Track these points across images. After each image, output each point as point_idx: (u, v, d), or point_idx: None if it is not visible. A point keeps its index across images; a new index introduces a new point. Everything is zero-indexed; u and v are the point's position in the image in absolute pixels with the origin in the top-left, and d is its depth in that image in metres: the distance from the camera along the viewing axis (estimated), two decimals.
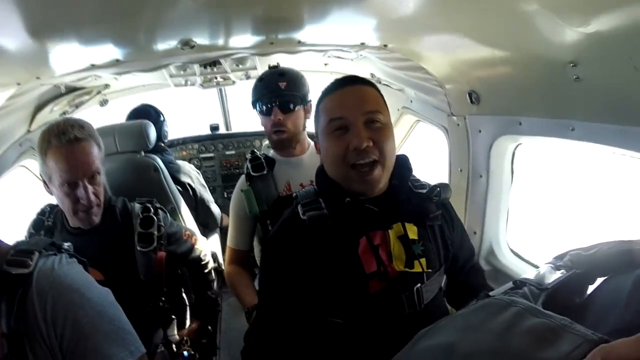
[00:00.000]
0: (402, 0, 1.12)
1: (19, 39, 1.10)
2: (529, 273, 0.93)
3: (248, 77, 2.52)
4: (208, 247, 1.83)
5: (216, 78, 2.62)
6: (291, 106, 1.54)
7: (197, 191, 2.34)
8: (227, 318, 2.57)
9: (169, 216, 1.59)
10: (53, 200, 1.47)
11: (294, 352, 1.08)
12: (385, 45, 1.51)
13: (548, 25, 0.96)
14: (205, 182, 2.53)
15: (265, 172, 1.57)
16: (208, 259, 1.78)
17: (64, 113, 2.17)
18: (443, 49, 1.39)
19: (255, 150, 1.67)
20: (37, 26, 1.05)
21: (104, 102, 2.61)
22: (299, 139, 1.62)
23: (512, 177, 1.66)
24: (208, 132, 3.39)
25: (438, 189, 1.11)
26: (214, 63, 2.18)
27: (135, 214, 1.48)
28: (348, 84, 1.07)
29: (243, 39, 1.52)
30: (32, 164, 2.08)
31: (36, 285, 0.86)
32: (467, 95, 1.49)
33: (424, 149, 2.68)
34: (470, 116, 1.61)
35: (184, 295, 1.73)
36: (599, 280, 0.86)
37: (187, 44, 1.39)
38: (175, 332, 1.61)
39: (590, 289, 0.87)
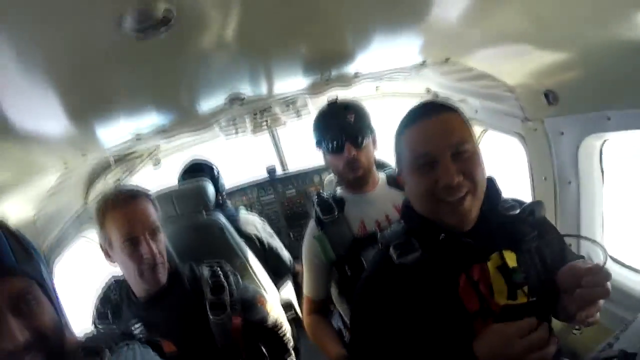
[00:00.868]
0: (462, 11, 1.05)
1: (60, 121, 1.09)
2: None
3: (299, 116, 2.54)
4: (282, 312, 1.75)
5: (267, 122, 2.65)
6: (363, 140, 1.45)
7: (264, 240, 2.30)
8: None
9: (240, 279, 1.54)
10: (117, 272, 1.46)
11: None
12: (447, 59, 1.44)
13: (629, 6, 0.86)
14: (269, 225, 2.51)
15: (336, 214, 1.48)
16: (286, 325, 1.69)
17: (118, 180, 2.17)
18: (510, 53, 1.30)
19: (321, 192, 1.61)
20: (76, 105, 1.03)
21: (157, 163, 2.60)
22: (373, 172, 1.54)
23: (603, 179, 1.49)
24: (265, 175, 3.42)
25: (532, 207, 1.02)
26: (264, 109, 2.16)
27: (205, 280, 1.43)
28: (430, 113, 0.98)
29: (295, 82, 1.50)
30: (93, 234, 2.07)
31: None
32: (543, 96, 1.37)
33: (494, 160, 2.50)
34: (548, 119, 1.47)
35: (262, 348, 1.65)
36: None
37: (235, 99, 1.35)
38: None
39: None
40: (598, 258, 1.00)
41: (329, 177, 1.86)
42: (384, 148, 1.65)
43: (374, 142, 1.53)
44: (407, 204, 1.07)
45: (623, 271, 1.46)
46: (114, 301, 1.42)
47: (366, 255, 1.41)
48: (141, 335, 0.95)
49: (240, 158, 4.14)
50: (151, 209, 1.34)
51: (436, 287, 0.96)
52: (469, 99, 1.85)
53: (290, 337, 1.74)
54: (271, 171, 3.41)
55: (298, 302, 2.22)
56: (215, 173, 2.49)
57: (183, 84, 1.16)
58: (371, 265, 1.11)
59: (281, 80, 1.44)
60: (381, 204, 1.49)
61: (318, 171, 3.17)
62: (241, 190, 3.38)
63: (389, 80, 1.92)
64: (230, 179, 2.98)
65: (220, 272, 1.45)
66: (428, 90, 2.05)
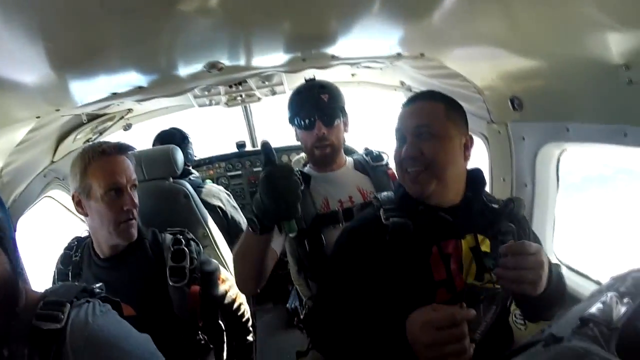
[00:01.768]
0: (440, 9, 1.08)
1: (37, 72, 1.07)
2: (594, 307, 0.83)
3: (274, 93, 2.51)
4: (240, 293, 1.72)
5: (241, 96, 2.60)
6: (334, 119, 1.48)
7: (229, 213, 2.31)
8: (262, 337, 2.54)
9: (202, 249, 1.54)
10: (79, 233, 1.47)
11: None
12: (422, 54, 1.46)
13: (599, 28, 0.90)
14: (234, 199, 2.51)
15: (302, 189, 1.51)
16: (244, 306, 1.71)
17: (88, 141, 2.15)
18: (483, 56, 1.33)
19: None
20: (55, 57, 1.02)
21: (127, 127, 2.59)
22: (340, 153, 1.57)
23: (558, 185, 1.58)
24: (234, 149, 3.40)
25: (512, 203, 1.13)
26: (240, 82, 2.14)
27: (167, 247, 1.43)
28: (416, 100, 1.16)
29: (274, 58, 1.49)
30: (58, 194, 2.06)
31: (70, 342, 0.78)
32: (509, 102, 1.43)
33: None
34: (512, 123, 1.54)
35: (220, 322, 1.68)
36: None
37: (213, 66, 1.35)
38: None
39: None
40: None
41: (297, 157, 1.87)
42: (354, 134, 1.69)
43: (345, 125, 1.56)
44: None
45: (570, 274, 1.54)
46: (74, 262, 1.42)
47: (326, 232, 1.43)
48: (103, 294, 0.94)
49: (211, 131, 4.06)
50: (132, 167, 1.37)
51: (411, 251, 1.07)
52: None
53: (250, 317, 1.76)
54: (240, 146, 3.40)
55: None
56: (187, 141, 2.50)
57: (163, 46, 1.15)
58: (359, 218, 1.22)
59: (260, 54, 1.43)
60: (346, 185, 1.51)
61: (287, 150, 3.16)
62: (209, 163, 3.36)
63: (365, 68, 1.93)
64: (199, 151, 2.93)
65: (182, 240, 1.46)
66: (402, 83, 2.07)
